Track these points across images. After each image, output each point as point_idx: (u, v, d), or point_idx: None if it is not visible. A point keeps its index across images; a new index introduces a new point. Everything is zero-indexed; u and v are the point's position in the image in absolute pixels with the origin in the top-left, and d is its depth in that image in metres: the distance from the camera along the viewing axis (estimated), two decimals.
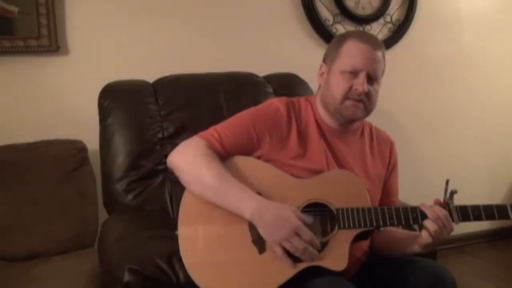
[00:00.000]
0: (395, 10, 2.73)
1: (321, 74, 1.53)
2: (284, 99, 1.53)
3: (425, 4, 2.80)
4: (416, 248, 1.37)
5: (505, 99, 3.10)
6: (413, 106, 2.86)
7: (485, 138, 3.07)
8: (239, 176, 1.37)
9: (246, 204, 1.30)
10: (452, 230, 1.32)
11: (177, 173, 1.43)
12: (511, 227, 3.12)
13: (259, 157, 1.44)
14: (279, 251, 1.27)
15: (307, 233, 1.28)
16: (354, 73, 1.42)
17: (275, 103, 1.50)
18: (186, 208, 1.37)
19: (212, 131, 1.44)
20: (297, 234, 1.27)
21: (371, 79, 1.43)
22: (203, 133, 1.45)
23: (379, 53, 1.45)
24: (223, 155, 1.41)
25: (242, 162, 1.41)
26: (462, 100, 2.99)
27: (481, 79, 3.02)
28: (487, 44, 3.00)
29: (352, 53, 1.43)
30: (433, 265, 1.37)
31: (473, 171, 3.03)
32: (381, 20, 2.71)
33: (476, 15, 2.96)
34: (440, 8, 2.87)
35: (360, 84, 1.41)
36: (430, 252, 1.55)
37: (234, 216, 1.32)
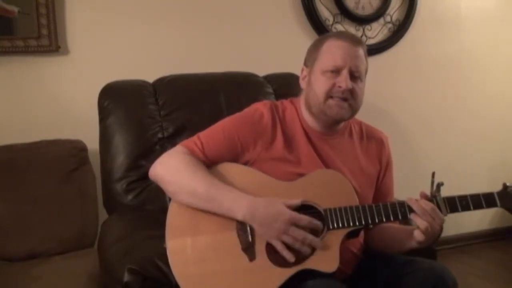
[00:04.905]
0: (395, 10, 2.73)
1: (303, 78, 1.51)
2: (268, 103, 1.50)
3: (425, 4, 2.80)
4: (413, 244, 1.36)
5: (505, 98, 3.10)
6: (413, 106, 2.86)
7: (485, 137, 3.07)
8: (226, 183, 1.36)
9: (237, 205, 1.29)
10: (442, 221, 1.31)
11: (161, 185, 1.41)
12: (511, 227, 3.12)
13: (246, 163, 1.43)
14: (278, 245, 1.26)
15: (304, 219, 1.27)
16: (336, 72, 1.40)
17: (260, 109, 1.47)
18: (173, 220, 1.35)
19: (196, 139, 1.43)
20: (294, 224, 1.26)
21: (354, 76, 1.41)
22: (186, 142, 1.44)
23: (359, 50, 1.42)
24: (206, 163, 1.40)
25: (228, 168, 1.40)
26: (462, 100, 2.99)
27: (481, 79, 3.02)
28: (487, 44, 3.00)
29: (332, 52, 1.42)
30: (434, 266, 1.36)
31: (474, 169, 3.02)
32: (381, 20, 2.71)
33: (476, 14, 2.96)
34: (440, 8, 2.87)
35: (343, 81, 1.38)
36: (430, 252, 1.55)
37: (221, 225, 1.31)
